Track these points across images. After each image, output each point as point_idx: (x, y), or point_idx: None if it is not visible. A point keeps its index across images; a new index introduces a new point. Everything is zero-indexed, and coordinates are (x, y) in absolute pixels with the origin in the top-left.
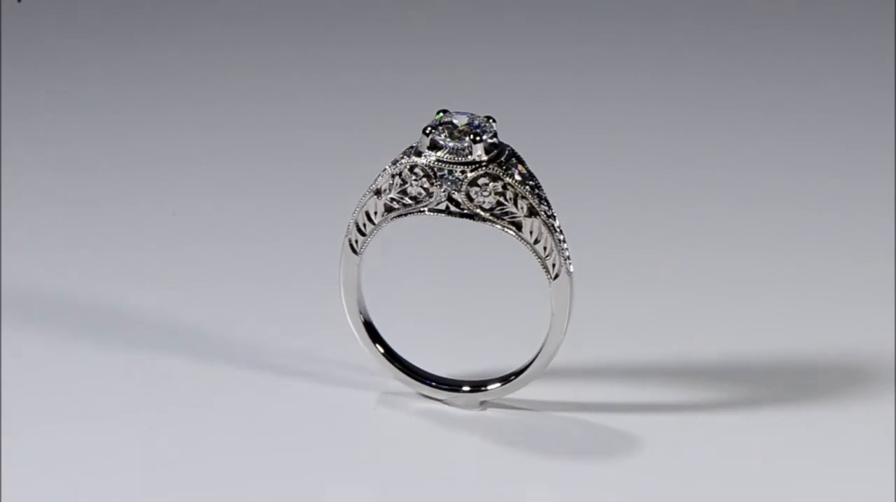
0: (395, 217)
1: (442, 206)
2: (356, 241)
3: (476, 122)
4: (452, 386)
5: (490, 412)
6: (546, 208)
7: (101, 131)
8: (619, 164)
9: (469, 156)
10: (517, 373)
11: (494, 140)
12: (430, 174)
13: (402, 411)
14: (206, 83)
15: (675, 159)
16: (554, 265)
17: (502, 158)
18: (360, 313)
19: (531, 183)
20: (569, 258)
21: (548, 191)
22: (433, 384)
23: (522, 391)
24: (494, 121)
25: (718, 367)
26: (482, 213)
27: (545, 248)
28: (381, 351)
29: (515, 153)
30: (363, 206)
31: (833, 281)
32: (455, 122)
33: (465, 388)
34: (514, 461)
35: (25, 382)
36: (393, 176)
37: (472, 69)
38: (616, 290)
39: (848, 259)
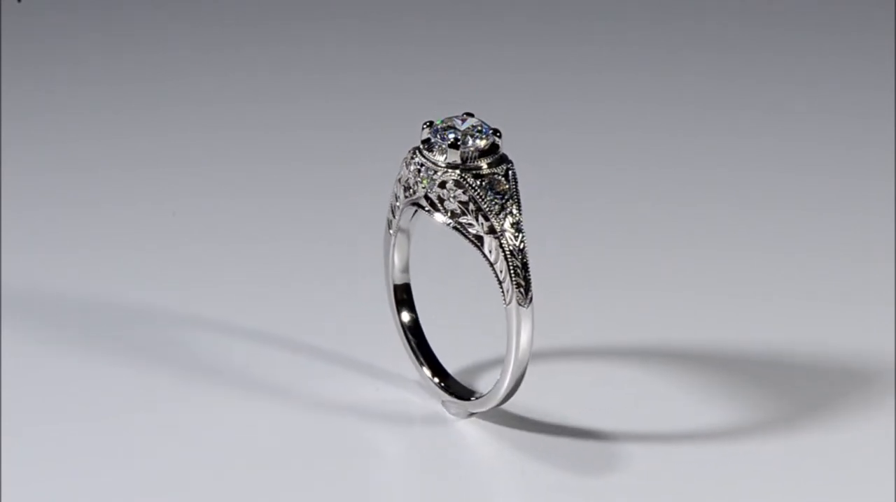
0: (407, 204)
1: (422, 203)
2: (389, 221)
3: (474, 130)
4: (449, 387)
5: (481, 420)
6: (512, 232)
7: (101, 131)
8: (619, 164)
9: (445, 158)
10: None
11: (481, 149)
12: (417, 168)
13: (394, 416)
14: (206, 83)
15: (675, 159)
16: (508, 291)
17: (498, 170)
18: (392, 282)
19: (506, 203)
20: (524, 289)
21: (548, 192)
22: (437, 379)
23: (516, 397)
24: (499, 135)
25: (717, 368)
26: (447, 217)
27: (501, 272)
28: (407, 323)
29: (511, 171)
30: (393, 189)
31: (833, 281)
32: (456, 124)
33: (453, 395)
34: (502, 473)
35: (25, 382)
36: (405, 164)
37: (472, 69)
38: (616, 290)
39: (848, 259)
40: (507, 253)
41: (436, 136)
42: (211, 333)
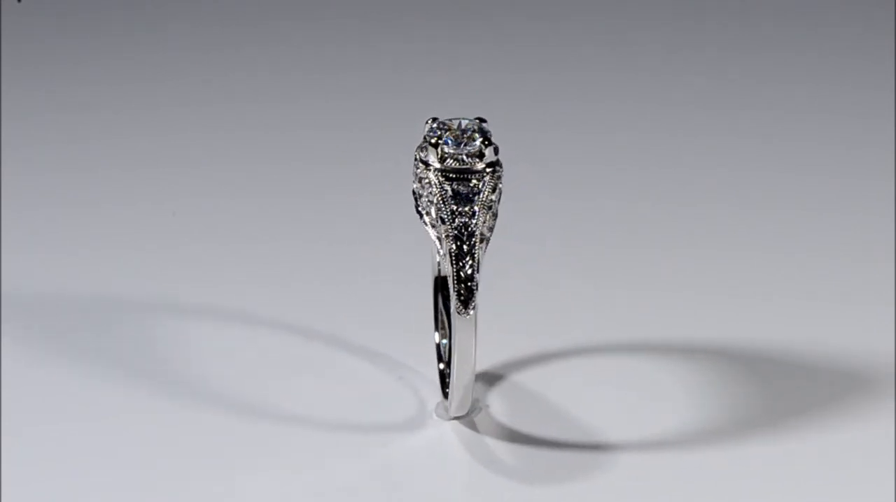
0: None
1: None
2: None
3: (468, 134)
4: (445, 388)
5: (467, 423)
6: (464, 241)
7: (101, 131)
8: (619, 164)
9: (425, 155)
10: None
11: (460, 154)
12: (414, 163)
13: (378, 417)
14: (206, 83)
15: (675, 159)
16: (452, 297)
17: (467, 175)
18: (434, 273)
19: (466, 209)
20: (464, 298)
21: (548, 192)
22: (446, 377)
23: (509, 397)
24: (487, 144)
25: (717, 368)
26: (424, 215)
27: (450, 276)
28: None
29: (488, 181)
30: None
31: (833, 281)
32: (452, 125)
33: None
34: (486, 479)
35: (25, 382)
36: None
37: (472, 69)
38: (616, 290)
39: (848, 259)
40: (453, 258)
41: (429, 133)
42: (211, 333)
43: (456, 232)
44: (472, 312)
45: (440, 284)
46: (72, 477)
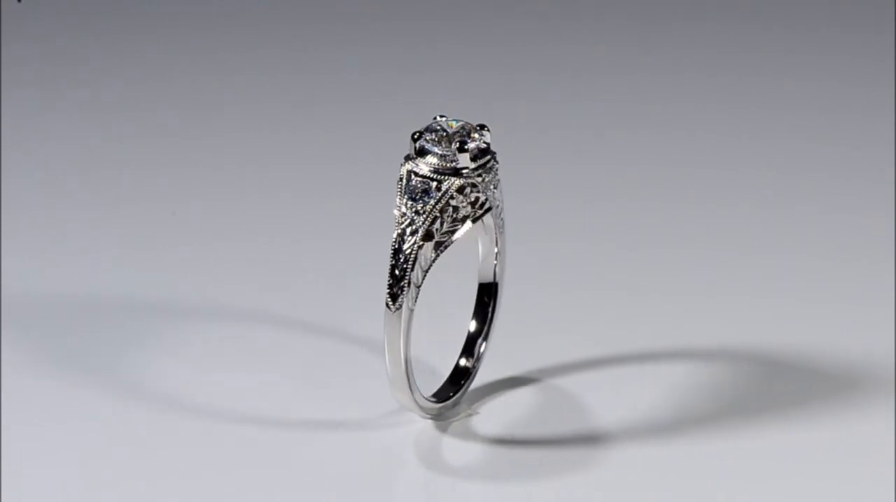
0: None
1: None
2: None
3: (447, 134)
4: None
5: (444, 424)
6: (406, 238)
7: (102, 131)
8: (618, 164)
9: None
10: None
11: (429, 152)
12: None
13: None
14: (206, 83)
15: (676, 159)
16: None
17: (431, 173)
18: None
19: (416, 206)
20: (393, 295)
21: (545, 193)
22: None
23: (504, 398)
24: (464, 150)
25: (717, 368)
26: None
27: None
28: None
29: (450, 186)
30: None
31: (833, 281)
32: (444, 125)
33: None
34: (475, 481)
35: (25, 383)
36: None
37: (471, 69)
38: (616, 292)
39: (848, 259)
40: (392, 250)
41: (423, 129)
42: (211, 333)
43: (401, 228)
44: (400, 308)
45: (490, 289)
46: (71, 477)
